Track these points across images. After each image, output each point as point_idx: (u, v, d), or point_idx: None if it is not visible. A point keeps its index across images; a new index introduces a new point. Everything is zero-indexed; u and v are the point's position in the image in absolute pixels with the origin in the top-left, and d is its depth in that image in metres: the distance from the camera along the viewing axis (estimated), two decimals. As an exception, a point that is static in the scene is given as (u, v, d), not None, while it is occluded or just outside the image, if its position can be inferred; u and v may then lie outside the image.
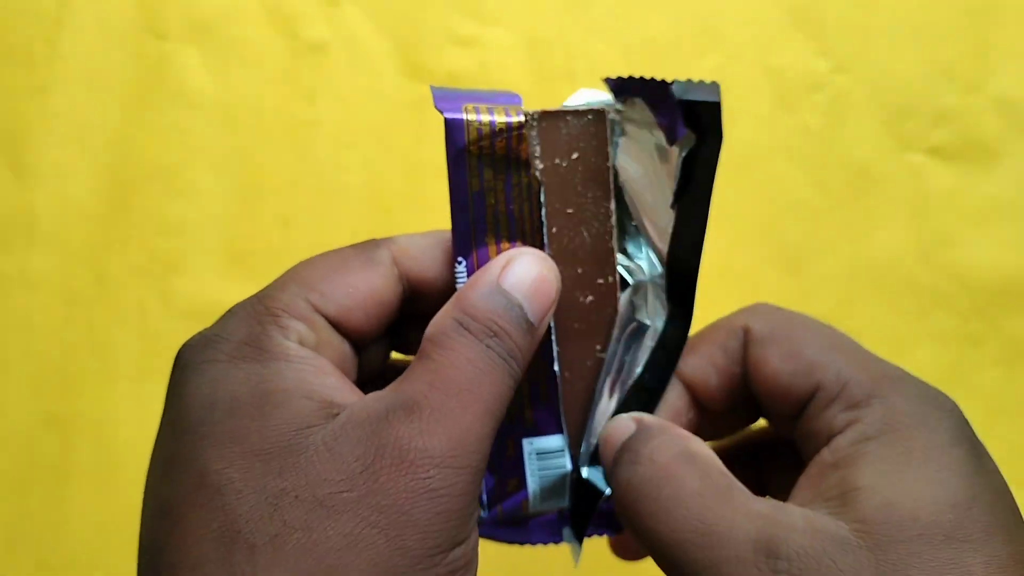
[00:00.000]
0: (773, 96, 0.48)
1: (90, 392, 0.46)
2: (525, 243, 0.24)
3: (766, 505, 0.21)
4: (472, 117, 0.23)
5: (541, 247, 0.25)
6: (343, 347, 0.23)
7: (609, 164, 0.25)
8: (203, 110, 0.47)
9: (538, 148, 0.24)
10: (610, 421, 0.25)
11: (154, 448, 0.22)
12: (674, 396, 0.26)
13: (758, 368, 0.25)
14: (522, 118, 0.23)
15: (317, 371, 0.21)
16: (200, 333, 0.22)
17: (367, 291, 0.23)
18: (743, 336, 0.25)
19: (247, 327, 0.22)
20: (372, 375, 0.25)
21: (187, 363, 0.22)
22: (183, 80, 0.47)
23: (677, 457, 0.22)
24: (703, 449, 0.23)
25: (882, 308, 0.46)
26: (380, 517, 0.19)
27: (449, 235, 0.24)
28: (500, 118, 0.23)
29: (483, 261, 0.24)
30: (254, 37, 0.48)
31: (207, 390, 0.21)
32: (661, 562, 0.22)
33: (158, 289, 0.46)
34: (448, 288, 0.24)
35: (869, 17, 0.48)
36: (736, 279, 0.47)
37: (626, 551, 0.28)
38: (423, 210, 0.47)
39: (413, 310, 0.25)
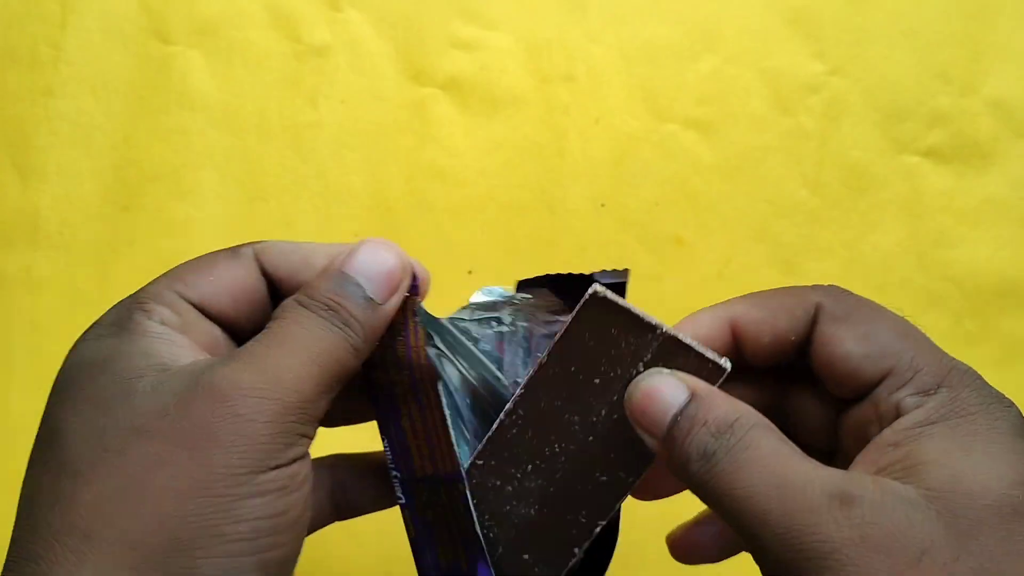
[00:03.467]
0: (770, 98, 0.48)
1: (95, 391, 0.46)
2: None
3: (835, 469, 0.22)
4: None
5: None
6: (213, 330, 0.26)
7: None
8: (206, 112, 0.48)
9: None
10: (649, 378, 0.25)
11: None
12: (718, 333, 0.26)
13: (828, 346, 0.25)
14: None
15: (170, 343, 0.24)
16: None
17: (230, 280, 0.26)
18: (813, 311, 0.25)
19: (116, 313, 0.25)
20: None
21: (74, 345, 0.25)
22: (187, 83, 0.48)
23: (753, 428, 0.23)
24: (768, 422, 0.24)
25: (878, 308, 0.47)
26: (186, 438, 0.22)
27: (309, 246, 0.27)
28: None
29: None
30: (257, 40, 0.48)
31: (75, 360, 0.24)
32: (732, 519, 0.22)
33: (162, 289, 0.47)
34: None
35: (865, 20, 0.48)
36: (732, 279, 0.47)
37: (646, 492, 0.29)
38: (424, 211, 0.47)
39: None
